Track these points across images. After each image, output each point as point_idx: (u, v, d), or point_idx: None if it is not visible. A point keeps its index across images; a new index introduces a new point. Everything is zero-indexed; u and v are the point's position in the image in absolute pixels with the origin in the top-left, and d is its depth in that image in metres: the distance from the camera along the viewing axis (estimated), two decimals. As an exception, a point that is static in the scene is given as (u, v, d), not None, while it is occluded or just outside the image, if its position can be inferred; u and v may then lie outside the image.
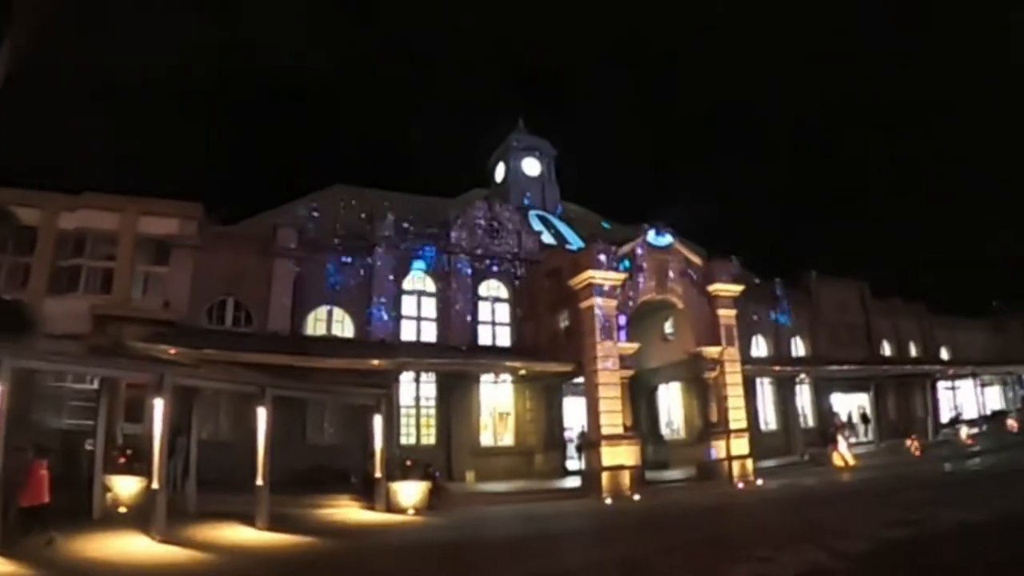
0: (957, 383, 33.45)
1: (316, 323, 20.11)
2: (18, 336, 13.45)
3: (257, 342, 17.82)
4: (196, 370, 14.30)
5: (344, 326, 20.34)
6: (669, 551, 9.92)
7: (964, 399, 33.87)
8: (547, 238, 26.33)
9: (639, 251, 20.75)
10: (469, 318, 21.95)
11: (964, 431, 28.22)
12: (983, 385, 33.89)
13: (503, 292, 23.19)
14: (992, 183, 74.76)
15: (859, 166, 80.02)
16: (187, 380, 12.84)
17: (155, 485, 10.60)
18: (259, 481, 12.05)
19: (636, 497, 17.17)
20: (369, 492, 14.75)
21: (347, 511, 14.33)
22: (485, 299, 22.73)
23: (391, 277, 20.83)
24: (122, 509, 11.80)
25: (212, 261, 18.99)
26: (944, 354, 34.06)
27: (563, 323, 20.94)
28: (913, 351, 32.64)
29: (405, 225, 22.19)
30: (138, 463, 12.07)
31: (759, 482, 19.56)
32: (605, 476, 17.59)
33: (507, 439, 21.65)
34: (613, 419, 18.65)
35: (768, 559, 8.35)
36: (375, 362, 17.92)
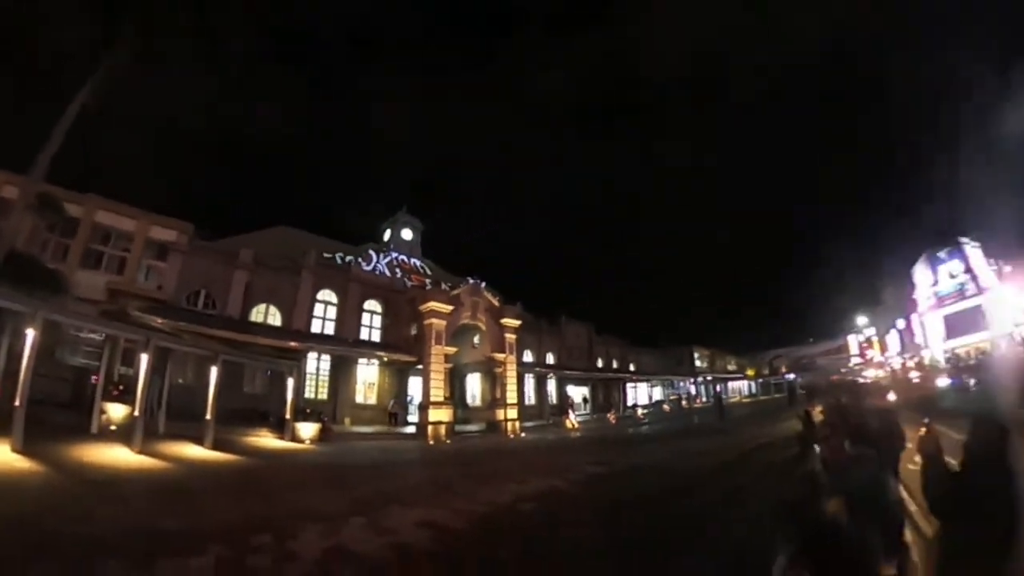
0: (638, 384, 44.69)
1: (257, 314, 22.68)
2: (53, 295, 14.06)
3: (217, 322, 19.52)
4: (173, 336, 14.87)
5: (276, 318, 23.16)
6: (467, 476, 11.35)
7: (641, 393, 45.23)
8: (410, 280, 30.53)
9: (463, 294, 25.30)
10: (355, 322, 25.83)
11: (639, 411, 36.20)
12: (652, 386, 46.33)
13: (378, 308, 27.22)
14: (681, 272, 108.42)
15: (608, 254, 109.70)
16: (166, 342, 13.62)
17: (137, 412, 11.50)
18: (208, 416, 13.23)
19: (448, 441, 19.68)
20: (281, 428, 16.33)
21: (266, 440, 15.61)
22: (367, 311, 26.70)
23: (310, 290, 24.40)
24: (113, 427, 12.34)
25: (194, 263, 20.98)
26: (632, 367, 44.44)
27: (413, 331, 24.66)
28: (615, 364, 42.26)
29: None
30: (127, 395, 12.65)
31: (523, 435, 23.35)
32: (430, 427, 20.52)
33: (372, 400, 25.25)
34: (438, 392, 22.36)
35: (525, 482, 9.76)
36: (292, 344, 20.62)
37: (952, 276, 42.03)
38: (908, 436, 5.61)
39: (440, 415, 21.51)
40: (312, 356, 23.06)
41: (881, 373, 46.73)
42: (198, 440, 12.71)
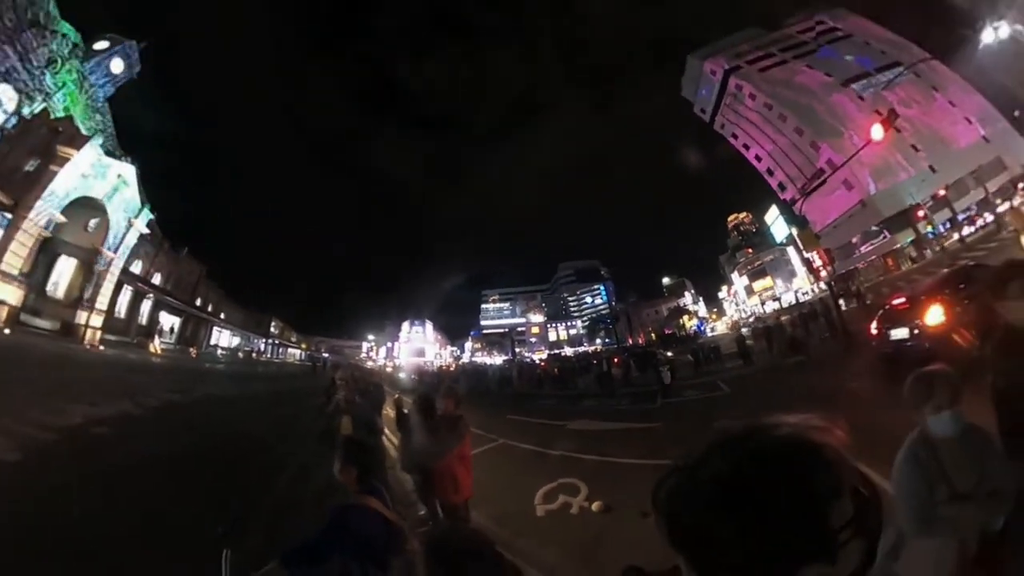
0: (223, 331, 42.70)
1: None
2: None
3: None
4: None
5: None
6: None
7: (224, 338, 42.81)
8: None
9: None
10: None
11: (219, 351, 36.33)
12: (234, 336, 45.14)
13: None
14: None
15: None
16: None
17: None
18: None
19: (8, 332, 16.48)
20: None
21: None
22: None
23: None
24: None
25: None
26: (223, 316, 42.57)
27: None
28: (211, 308, 39.69)
29: None
30: None
31: (102, 348, 21.55)
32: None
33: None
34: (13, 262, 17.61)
35: (98, 404, 9.26)
36: None
37: (417, 333, 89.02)
38: (386, 395, 8.60)
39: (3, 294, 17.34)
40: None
41: (377, 364, 75.99)
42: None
